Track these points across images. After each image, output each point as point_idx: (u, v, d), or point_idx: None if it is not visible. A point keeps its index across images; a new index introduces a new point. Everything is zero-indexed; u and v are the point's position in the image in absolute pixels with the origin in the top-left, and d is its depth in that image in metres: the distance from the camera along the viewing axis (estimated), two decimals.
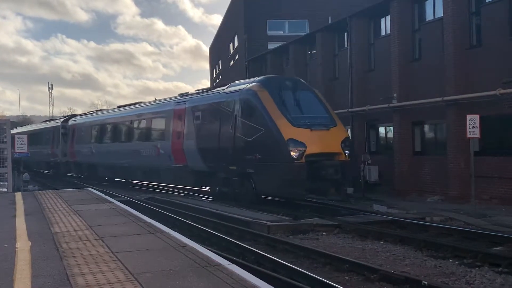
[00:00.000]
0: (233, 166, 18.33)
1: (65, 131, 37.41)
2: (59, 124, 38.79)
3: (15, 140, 25.26)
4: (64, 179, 36.50)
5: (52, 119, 49.56)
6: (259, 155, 16.98)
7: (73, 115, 39.71)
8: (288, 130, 16.59)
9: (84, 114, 38.73)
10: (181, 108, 22.28)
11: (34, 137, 42.59)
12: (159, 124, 24.52)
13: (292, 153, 16.21)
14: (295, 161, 16.16)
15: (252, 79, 19.23)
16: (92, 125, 33.01)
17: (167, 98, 25.82)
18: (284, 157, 16.29)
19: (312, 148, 16.46)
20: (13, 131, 50.49)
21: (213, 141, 19.34)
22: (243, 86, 18.61)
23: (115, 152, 28.61)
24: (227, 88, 19.93)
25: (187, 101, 22.14)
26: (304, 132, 16.72)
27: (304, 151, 16.27)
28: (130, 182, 31.16)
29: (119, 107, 31.80)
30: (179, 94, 24.75)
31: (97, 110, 36.07)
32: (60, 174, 38.75)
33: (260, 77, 19.27)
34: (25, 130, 50.37)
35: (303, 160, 16.21)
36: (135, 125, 27.29)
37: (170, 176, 23.60)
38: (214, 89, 21.65)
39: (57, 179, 37.61)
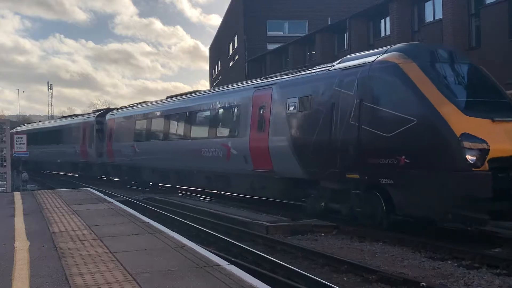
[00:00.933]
0: (354, 174, 12.86)
1: (101, 127, 31.50)
2: (92, 119, 32.64)
3: (14, 140, 25.24)
4: (62, 179, 36.41)
5: (75, 114, 42.85)
6: (406, 158, 11.63)
7: (109, 109, 33.35)
8: (459, 121, 11.22)
9: (124, 107, 31.99)
10: (265, 93, 16.69)
11: (52, 135, 39.77)
12: (229, 115, 18.93)
13: (468, 156, 10.83)
14: (474, 169, 10.71)
15: (382, 49, 13.64)
16: (137, 120, 27.00)
17: (241, 83, 20.34)
18: (455, 162, 10.93)
19: (499, 149, 10.89)
20: (21, 128, 48.70)
21: (320, 136, 13.93)
22: (372, 58, 13.20)
23: (165, 153, 23.18)
24: (339, 63, 14.47)
25: (273, 84, 16.53)
26: (483, 124, 11.23)
27: (487, 153, 10.82)
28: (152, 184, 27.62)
29: (169, 97, 26.22)
30: (263, 78, 18.50)
31: (140, 102, 30.05)
32: (91, 177, 33.90)
33: (399, 45, 13.83)
34: (38, 127, 47.13)
35: (486, 166, 10.72)
36: (195, 118, 21.46)
37: (246, 184, 17.94)
38: (313, 67, 15.83)
39: (56, 179, 37.49)
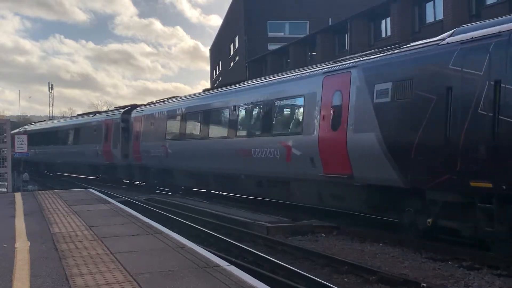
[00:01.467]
0: (483, 181, 9.62)
1: (126, 125, 27.98)
2: (117, 116, 28.99)
3: (15, 140, 25.26)
4: (62, 179, 36.28)
5: (95, 111, 38.67)
6: None
7: (135, 105, 29.46)
8: None
9: (151, 103, 28.32)
10: (341, 79, 13.43)
11: (68, 134, 36.59)
12: (289, 109, 16.13)
13: None
14: None
15: None
16: (169, 116, 23.73)
17: (303, 69, 16.32)
18: None
19: None
20: (30, 127, 46.55)
21: (428, 132, 10.77)
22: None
23: (204, 154, 19.86)
24: (452, 36, 11.02)
25: (353, 67, 13.23)
26: None
27: None
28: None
29: (206, 90, 23.34)
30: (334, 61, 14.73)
31: (170, 98, 26.81)
32: (115, 180, 30.48)
33: None
34: (51, 125, 43.08)
35: None
36: (242, 113, 18.12)
37: (312, 192, 14.62)
38: (409, 43, 12.51)
39: (57, 179, 37.33)
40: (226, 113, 18.92)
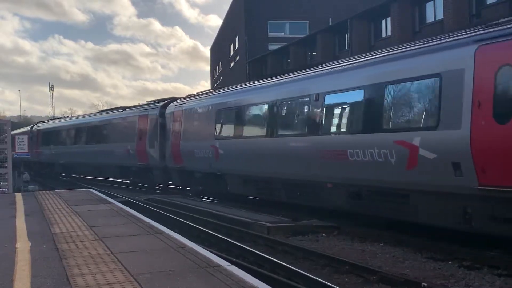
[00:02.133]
0: None
1: (164, 121, 24.14)
2: (155, 111, 24.99)
3: (16, 141, 25.29)
4: (61, 179, 35.98)
5: (123, 106, 32.63)
6: None
7: (174, 98, 25.41)
8: None
9: (192, 95, 24.08)
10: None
11: (91, 132, 32.52)
12: (411, 94, 11.60)
13: None
14: None
15: None
16: (221, 110, 19.58)
17: (432, 38, 11.88)
18: None
19: None
20: (43, 125, 42.60)
21: None
22: None
23: (271, 156, 16.15)
24: None
25: None
26: None
27: None
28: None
29: (265, 79, 18.64)
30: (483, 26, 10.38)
31: (217, 88, 23.94)
32: (150, 185, 26.89)
33: None
34: (69, 122, 38.42)
35: None
36: (331, 102, 14.00)
37: (455, 211, 10.41)
38: None
39: (56, 179, 36.83)
40: (305, 103, 15.03)
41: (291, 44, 44.52)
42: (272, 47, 51.83)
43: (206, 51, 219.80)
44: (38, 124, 45.56)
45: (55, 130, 39.24)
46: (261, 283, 5.90)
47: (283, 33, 55.61)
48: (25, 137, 27.43)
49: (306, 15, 53.83)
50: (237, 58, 61.21)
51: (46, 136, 40.70)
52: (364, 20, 33.63)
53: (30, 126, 47.09)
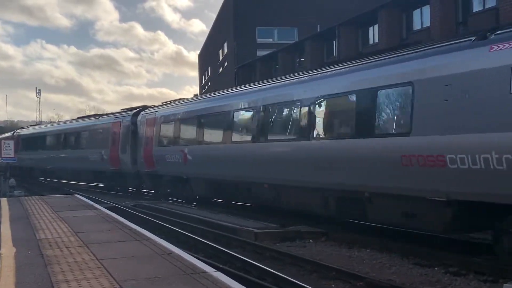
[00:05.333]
0: None
1: (136, 129, 24.93)
2: (127, 119, 25.88)
3: (1, 145, 25.09)
4: (51, 185, 35.78)
5: (98, 114, 34.77)
6: None
7: (145, 107, 26.54)
8: None
9: (165, 103, 24.58)
10: None
11: (68, 138, 33.70)
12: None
13: None
14: None
15: None
16: (184, 119, 20.73)
17: None
18: None
19: None
20: (24, 131, 43.61)
21: None
22: None
23: (222, 157, 17.32)
24: None
25: None
26: None
27: None
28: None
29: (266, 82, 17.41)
30: None
31: (181, 99, 24.38)
32: (122, 188, 28.02)
33: None
34: (47, 129, 40.08)
35: None
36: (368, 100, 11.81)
37: None
38: None
39: (43, 185, 36.70)
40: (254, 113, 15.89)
41: (279, 50, 44.65)
42: (261, 53, 51.94)
43: (190, 56, 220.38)
44: (19, 130, 47.19)
45: (35, 136, 40.56)
46: None
47: (271, 39, 55.77)
48: (11, 142, 27.23)
49: (294, 22, 54.04)
50: (226, 63, 61.26)
51: (26, 142, 41.68)
52: (352, 27, 33.83)
53: (12, 132, 48.32)
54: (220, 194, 19.17)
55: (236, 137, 17.00)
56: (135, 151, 24.55)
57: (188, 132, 20.39)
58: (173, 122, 21.52)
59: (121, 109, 29.86)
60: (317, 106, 13.42)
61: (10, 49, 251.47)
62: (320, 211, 13.56)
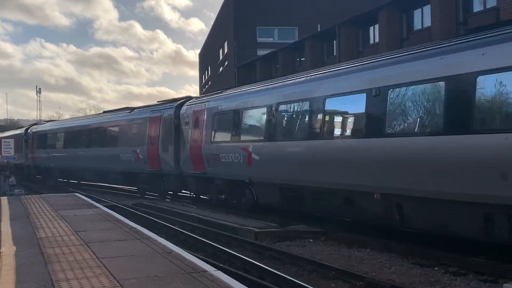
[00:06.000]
0: None
1: (179, 123, 21.37)
2: (169, 111, 22.25)
3: (1, 144, 25.12)
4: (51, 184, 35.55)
5: (129, 107, 28.78)
6: None
7: (189, 97, 22.85)
8: None
9: (216, 92, 20.79)
10: None
11: (93, 134, 29.89)
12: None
13: None
14: None
15: None
16: (259, 107, 16.46)
17: None
18: None
19: None
20: (39, 127, 38.99)
21: None
22: None
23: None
24: None
25: None
26: None
27: None
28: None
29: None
30: None
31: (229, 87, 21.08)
32: (162, 193, 23.90)
33: None
34: (68, 124, 35.37)
35: None
36: None
37: None
38: None
39: (43, 184, 36.39)
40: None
41: (279, 50, 44.65)
42: (261, 52, 51.96)
43: (189, 55, 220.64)
44: (34, 126, 42.13)
45: (53, 133, 36.24)
46: None
47: (272, 39, 55.78)
48: (11, 141, 27.21)
49: (294, 21, 54.05)
50: (226, 63, 61.27)
51: (42, 139, 37.66)
52: (352, 26, 33.83)
53: (24, 128, 43.21)
54: (297, 203, 14.87)
55: (331, 131, 13.32)
56: (178, 150, 21.12)
57: (255, 125, 16.78)
58: (231, 114, 17.68)
59: (158, 101, 26.18)
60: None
61: (9, 48, 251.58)
62: (478, 235, 9.86)
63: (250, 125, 17.12)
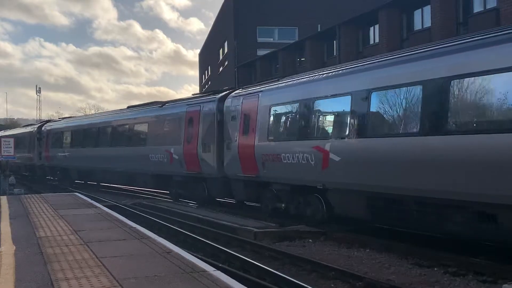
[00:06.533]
0: None
1: (223, 118, 18.27)
2: (210, 105, 19.05)
3: (1, 143, 25.10)
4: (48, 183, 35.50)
5: (159, 101, 25.01)
6: None
7: (232, 89, 20.47)
8: None
9: (273, 79, 17.84)
10: None
11: (119, 131, 27.03)
12: None
13: None
14: None
15: None
16: (341, 94, 13.05)
17: None
18: None
19: None
20: (55, 124, 35.51)
21: None
22: None
23: None
24: None
25: None
26: None
27: None
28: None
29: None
30: None
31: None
32: (199, 200, 20.30)
33: None
34: (90, 121, 32.05)
35: None
36: None
37: None
38: None
39: (43, 183, 36.35)
40: None
41: (280, 50, 44.66)
42: (261, 52, 51.97)
43: (188, 55, 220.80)
44: (48, 123, 38.78)
45: (72, 130, 32.96)
46: None
47: (272, 39, 55.78)
48: (11, 140, 27.14)
49: (295, 21, 54.05)
50: (226, 63, 61.27)
51: (59, 137, 34.49)
52: (352, 27, 33.83)
53: (37, 125, 40.04)
54: (394, 217, 11.92)
55: (467, 122, 9.98)
56: (222, 149, 18.09)
57: (333, 119, 13.52)
58: (297, 105, 14.62)
59: (193, 94, 23.36)
60: None
61: (8, 47, 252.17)
62: None
63: (325, 118, 13.92)
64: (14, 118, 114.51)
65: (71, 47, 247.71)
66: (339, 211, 13.46)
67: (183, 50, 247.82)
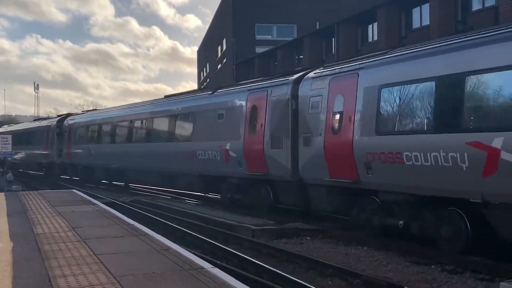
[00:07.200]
0: None
1: (297, 106, 14.47)
2: (282, 91, 15.18)
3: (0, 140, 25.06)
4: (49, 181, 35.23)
5: (206, 88, 23.46)
6: None
7: (308, 69, 15.87)
8: None
9: (380, 53, 12.84)
10: None
11: (155, 125, 23.28)
12: None
13: None
14: None
15: None
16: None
17: None
18: None
19: None
20: (78, 118, 32.11)
21: None
22: None
23: None
24: None
25: None
26: None
27: None
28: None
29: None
30: None
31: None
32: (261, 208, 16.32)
33: None
34: (123, 113, 27.09)
35: None
36: None
37: None
38: None
39: (41, 180, 35.88)
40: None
41: (278, 47, 44.66)
42: (260, 49, 51.94)
43: (185, 52, 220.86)
44: (71, 117, 34.89)
45: (100, 123, 29.25)
46: (244, 285, 5.90)
47: (270, 36, 55.76)
48: (9, 137, 27.08)
49: (293, 19, 54.01)
50: (225, 60, 61.23)
51: (83, 132, 30.96)
52: (351, 24, 33.84)
53: (56, 119, 36.07)
54: None
55: None
56: (297, 145, 14.39)
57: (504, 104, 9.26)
58: (432, 85, 10.40)
59: (251, 80, 18.89)
60: None
61: (5, 43, 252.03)
62: None
63: (488, 103, 9.58)
64: (12, 115, 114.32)
65: (68, 44, 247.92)
66: (506, 234, 9.38)
67: (180, 47, 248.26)
